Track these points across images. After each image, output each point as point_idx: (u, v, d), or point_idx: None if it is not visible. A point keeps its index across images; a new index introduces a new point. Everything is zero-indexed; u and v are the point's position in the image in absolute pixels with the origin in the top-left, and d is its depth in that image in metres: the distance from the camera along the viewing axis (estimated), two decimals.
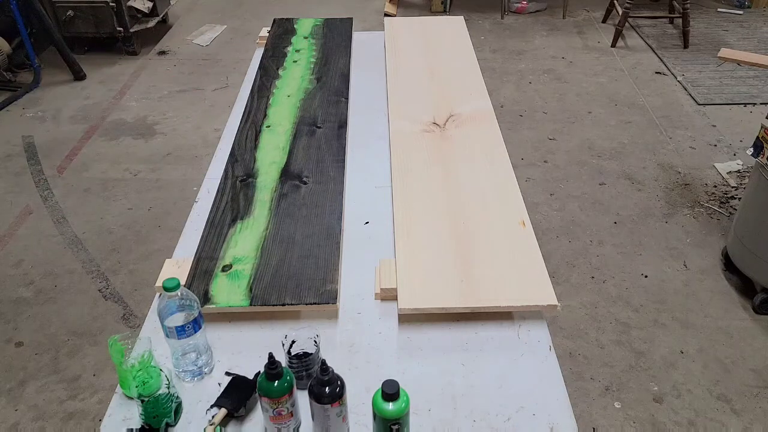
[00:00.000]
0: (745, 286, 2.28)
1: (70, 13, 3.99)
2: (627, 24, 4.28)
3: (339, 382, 0.93)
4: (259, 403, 0.97)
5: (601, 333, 2.14)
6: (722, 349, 2.07)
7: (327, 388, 0.92)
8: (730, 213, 2.69)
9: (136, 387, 0.97)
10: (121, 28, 4.06)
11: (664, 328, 2.15)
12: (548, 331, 1.14)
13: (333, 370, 0.92)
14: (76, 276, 2.43)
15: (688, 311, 2.22)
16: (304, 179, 1.52)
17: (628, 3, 4.08)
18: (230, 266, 1.24)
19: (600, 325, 2.18)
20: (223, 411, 0.99)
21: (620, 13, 4.15)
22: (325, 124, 1.75)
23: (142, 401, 0.96)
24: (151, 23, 4.25)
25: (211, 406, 1.00)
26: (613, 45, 4.23)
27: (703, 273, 2.39)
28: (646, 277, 2.37)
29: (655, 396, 1.92)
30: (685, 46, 4.17)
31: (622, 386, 1.95)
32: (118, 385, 1.04)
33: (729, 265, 2.35)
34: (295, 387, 0.95)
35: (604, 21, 4.62)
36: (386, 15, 4.65)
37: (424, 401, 1.01)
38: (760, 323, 2.15)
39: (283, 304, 1.15)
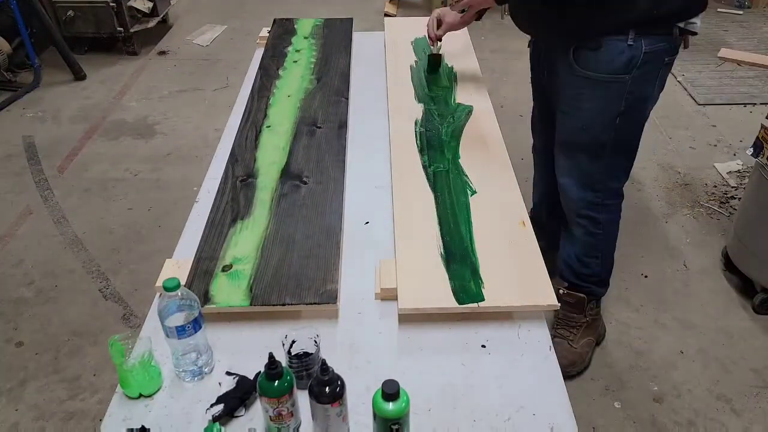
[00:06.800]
0: (745, 286, 2.28)
1: (70, 13, 4.00)
2: None
3: (339, 382, 0.93)
4: (259, 402, 0.97)
5: None
6: (722, 349, 2.07)
7: (327, 387, 0.92)
8: (730, 213, 2.69)
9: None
10: (121, 28, 4.07)
11: (663, 328, 2.16)
12: (548, 331, 1.15)
13: (333, 370, 0.92)
14: (76, 276, 2.43)
15: (688, 311, 2.22)
16: (305, 179, 1.52)
17: None
18: (230, 266, 1.24)
19: None
20: (222, 409, 0.99)
21: None
22: (325, 124, 1.76)
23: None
24: (152, 23, 4.26)
25: (211, 405, 1.01)
26: None
27: (703, 273, 2.39)
28: (646, 277, 2.38)
29: (656, 396, 1.92)
30: (685, 46, 4.16)
31: (622, 386, 1.95)
32: (119, 385, 1.04)
33: (729, 264, 2.35)
34: (295, 387, 0.95)
35: None
36: (386, 15, 4.65)
37: (424, 401, 1.01)
38: (760, 323, 2.16)
39: (284, 304, 1.15)
